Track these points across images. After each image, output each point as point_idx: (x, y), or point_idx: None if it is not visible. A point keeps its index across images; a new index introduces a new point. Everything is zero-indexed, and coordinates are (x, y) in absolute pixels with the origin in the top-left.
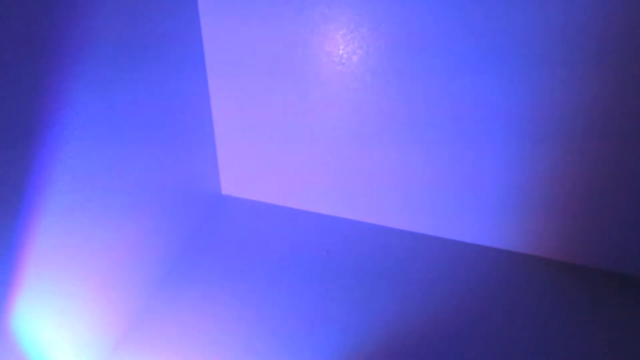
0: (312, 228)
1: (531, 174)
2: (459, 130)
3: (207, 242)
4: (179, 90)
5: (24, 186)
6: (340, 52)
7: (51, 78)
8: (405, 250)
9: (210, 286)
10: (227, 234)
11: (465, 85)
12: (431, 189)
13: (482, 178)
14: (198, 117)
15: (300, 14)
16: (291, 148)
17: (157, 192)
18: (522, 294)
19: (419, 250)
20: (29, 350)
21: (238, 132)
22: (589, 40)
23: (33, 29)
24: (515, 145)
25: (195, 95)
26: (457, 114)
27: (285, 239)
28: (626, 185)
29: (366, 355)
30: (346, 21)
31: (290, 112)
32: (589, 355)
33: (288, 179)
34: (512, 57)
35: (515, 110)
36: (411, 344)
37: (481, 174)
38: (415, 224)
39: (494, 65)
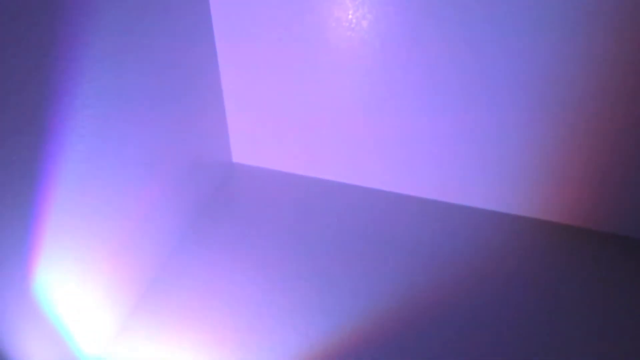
0: (323, 195)
1: (538, 137)
2: (468, 95)
3: (218, 210)
4: (188, 58)
5: (39, 156)
6: (350, 17)
7: (61, 47)
8: (415, 216)
9: (222, 253)
10: (238, 201)
11: (475, 48)
12: (439, 154)
13: (489, 142)
14: (207, 85)
15: None
16: (301, 115)
17: (167, 161)
18: (528, 257)
19: (428, 216)
20: (49, 314)
21: (247, 100)
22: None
23: None
24: (523, 109)
25: (204, 62)
26: (466, 78)
27: (296, 205)
28: (632, 150)
29: (378, 318)
30: None
31: (299, 78)
32: (594, 315)
33: (298, 146)
34: (524, 20)
35: (524, 74)
36: (420, 307)
37: (488, 139)
38: (424, 189)
39: (505, 29)
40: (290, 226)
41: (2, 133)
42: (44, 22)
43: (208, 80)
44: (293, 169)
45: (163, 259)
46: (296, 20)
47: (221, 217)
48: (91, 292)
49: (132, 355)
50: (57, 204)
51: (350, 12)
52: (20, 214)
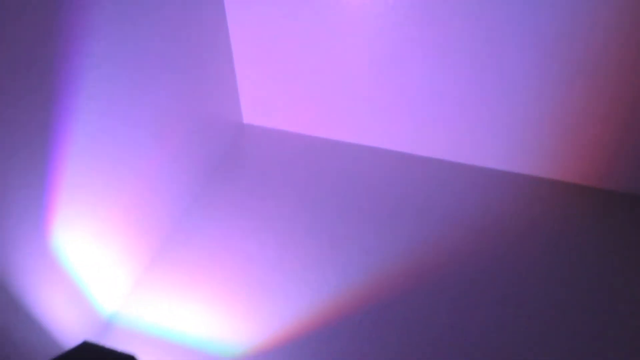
0: (334, 155)
1: (550, 94)
2: (478, 52)
3: (229, 170)
4: (197, 17)
5: (52, 116)
6: None
7: (71, 7)
8: (425, 176)
9: (234, 212)
10: (249, 162)
11: (484, 4)
12: (450, 113)
13: (499, 101)
14: (217, 45)
15: None
16: (312, 75)
17: (177, 121)
18: (540, 217)
19: (439, 176)
20: (66, 270)
21: (258, 60)
22: None
23: None
24: (534, 65)
25: (214, 22)
26: (476, 34)
27: (307, 166)
28: None
29: (388, 276)
30: None
31: (310, 38)
32: (604, 272)
33: (309, 107)
34: None
35: (535, 28)
36: (430, 265)
37: (499, 97)
38: (435, 149)
39: None
40: (301, 186)
41: (16, 93)
42: None
43: (218, 40)
44: (304, 130)
45: (176, 218)
46: None
47: (232, 177)
48: (106, 250)
49: (147, 311)
50: (71, 163)
51: None
52: (36, 172)
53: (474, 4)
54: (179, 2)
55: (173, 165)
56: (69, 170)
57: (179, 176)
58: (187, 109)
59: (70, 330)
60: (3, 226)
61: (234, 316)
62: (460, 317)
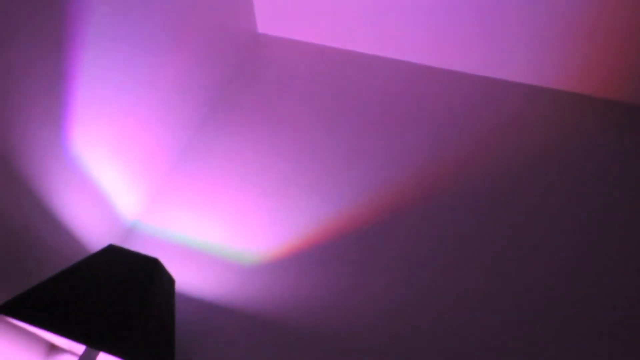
0: (351, 67)
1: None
2: None
3: (244, 82)
4: None
5: (66, 25)
6: None
7: None
8: (443, 88)
9: (249, 124)
10: (264, 73)
11: None
12: (468, 24)
13: (517, 7)
14: None
15: None
16: None
17: (190, 30)
18: (559, 130)
19: (458, 89)
20: (89, 177)
21: None
22: None
23: None
24: None
25: None
26: None
27: (323, 78)
28: None
29: (403, 188)
30: None
31: None
32: (626, 184)
33: (326, 16)
34: None
35: None
36: (446, 178)
37: (520, 4)
38: (452, 61)
39: None
40: (316, 98)
41: (31, 3)
42: None
43: None
44: (319, 40)
45: (192, 130)
46: None
47: (247, 89)
48: (126, 160)
49: (167, 219)
50: (86, 72)
51: None
52: (52, 81)
53: None
54: None
55: (187, 75)
56: (85, 80)
57: (193, 87)
58: (200, 18)
59: (95, 236)
60: (26, 132)
61: (250, 225)
62: (475, 228)
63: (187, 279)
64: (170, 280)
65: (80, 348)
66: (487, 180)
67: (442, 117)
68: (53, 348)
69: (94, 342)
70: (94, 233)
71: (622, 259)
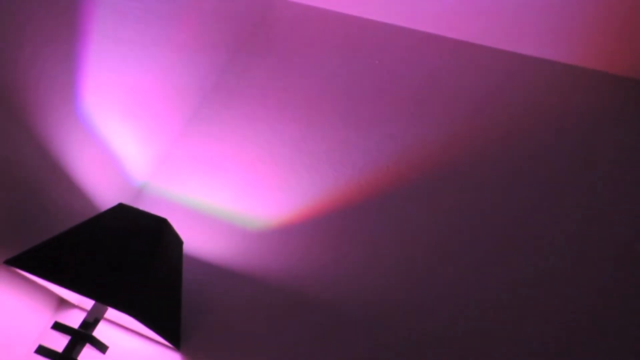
0: (368, 35)
1: None
2: None
3: (258, 46)
4: None
5: None
6: None
7: None
8: (460, 61)
9: (261, 89)
10: (278, 38)
11: None
12: None
13: None
14: None
15: None
16: None
17: None
18: (580, 108)
19: (473, 61)
20: (101, 137)
21: None
22: None
23: None
24: None
25: None
26: None
27: (339, 45)
28: None
29: (415, 158)
30: None
31: None
32: None
33: None
34: None
35: None
36: (458, 151)
37: None
38: (468, 33)
39: None
40: (329, 66)
41: None
42: None
43: None
44: (335, 7)
45: (203, 93)
46: None
47: (260, 54)
48: (137, 122)
49: (176, 182)
50: (100, 31)
51: None
52: (63, 40)
53: None
54: None
55: (201, 37)
56: (98, 39)
57: (207, 49)
58: None
59: (106, 194)
60: (40, 88)
61: (259, 191)
62: (488, 200)
63: (194, 241)
64: (178, 241)
65: (88, 303)
66: (503, 157)
67: (455, 89)
68: (62, 302)
69: (102, 298)
70: (104, 192)
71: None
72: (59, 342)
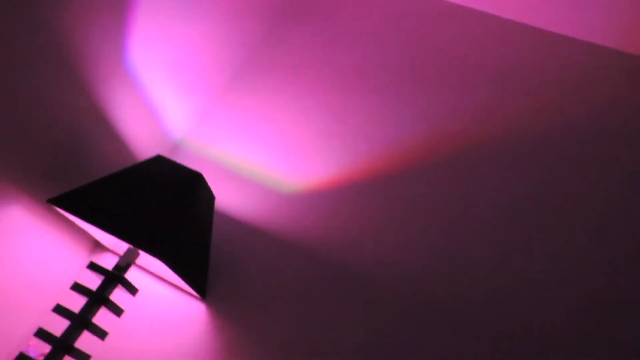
0: (412, 12)
1: None
2: None
3: (300, 15)
4: None
5: None
6: None
7: None
8: (496, 39)
9: (302, 59)
10: (322, 8)
11: None
12: None
13: None
14: None
15: None
16: None
17: None
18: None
19: (519, 41)
20: (143, 89)
21: None
22: None
23: None
24: None
25: None
26: None
27: (384, 20)
28: None
29: (449, 135)
30: None
31: None
32: None
33: None
34: None
35: None
36: (494, 128)
37: None
38: (504, 8)
39: None
40: (372, 41)
41: None
42: None
43: None
44: None
45: (244, 55)
46: None
47: (302, 21)
48: (178, 78)
49: (212, 140)
50: None
51: None
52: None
53: None
54: None
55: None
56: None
57: (251, 14)
58: None
59: (144, 146)
60: (90, 39)
61: (293, 155)
62: (516, 185)
63: (226, 198)
64: (211, 196)
65: (122, 248)
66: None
67: (493, 69)
68: (97, 245)
69: (136, 242)
70: (143, 143)
71: None
72: (93, 282)
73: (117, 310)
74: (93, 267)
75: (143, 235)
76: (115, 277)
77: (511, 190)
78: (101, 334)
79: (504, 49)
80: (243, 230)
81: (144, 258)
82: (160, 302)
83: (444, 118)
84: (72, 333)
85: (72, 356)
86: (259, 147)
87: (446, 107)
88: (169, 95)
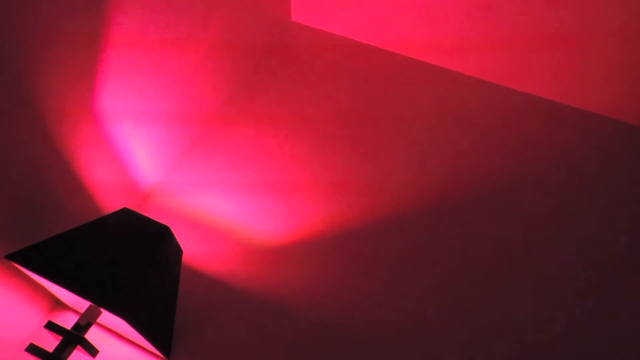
0: (388, 68)
1: None
2: None
3: (272, 69)
4: None
5: None
6: None
7: None
8: (478, 98)
9: (273, 112)
10: (295, 62)
11: None
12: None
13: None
14: None
15: None
16: None
17: (223, 5)
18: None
19: (488, 98)
20: (112, 140)
21: None
22: None
23: None
24: None
25: None
26: None
27: (355, 75)
28: None
29: (421, 190)
30: None
31: None
32: None
33: (367, 9)
34: None
35: None
36: (468, 185)
37: None
38: (503, 76)
39: None
40: (349, 96)
41: None
42: None
43: None
44: (355, 36)
45: (216, 109)
46: None
47: (275, 75)
48: (147, 130)
49: (181, 192)
50: (122, 34)
51: None
52: (91, 41)
53: None
54: None
55: (215, 54)
56: (118, 42)
57: (225, 61)
58: None
59: (111, 198)
60: (60, 85)
61: (261, 210)
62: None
63: (195, 252)
64: (178, 250)
65: (83, 306)
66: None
67: (480, 129)
68: (58, 304)
69: (97, 299)
70: (111, 195)
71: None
72: (50, 343)
73: None
74: (51, 326)
75: (104, 291)
76: (74, 338)
77: (480, 242)
78: None
79: (486, 110)
80: (211, 285)
81: (106, 316)
82: None
83: (412, 174)
84: None
85: None
86: (229, 199)
87: (414, 164)
88: (138, 146)
